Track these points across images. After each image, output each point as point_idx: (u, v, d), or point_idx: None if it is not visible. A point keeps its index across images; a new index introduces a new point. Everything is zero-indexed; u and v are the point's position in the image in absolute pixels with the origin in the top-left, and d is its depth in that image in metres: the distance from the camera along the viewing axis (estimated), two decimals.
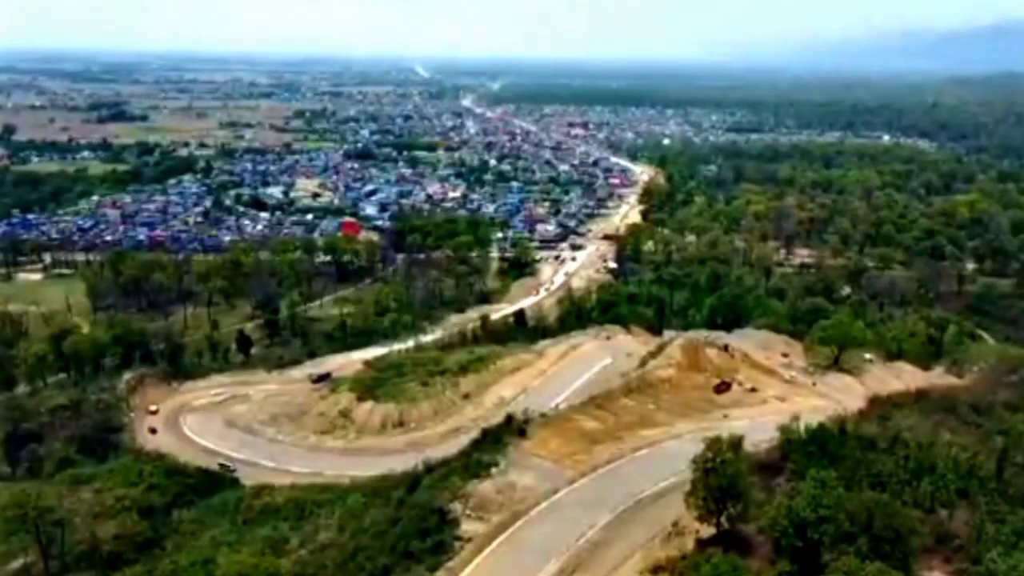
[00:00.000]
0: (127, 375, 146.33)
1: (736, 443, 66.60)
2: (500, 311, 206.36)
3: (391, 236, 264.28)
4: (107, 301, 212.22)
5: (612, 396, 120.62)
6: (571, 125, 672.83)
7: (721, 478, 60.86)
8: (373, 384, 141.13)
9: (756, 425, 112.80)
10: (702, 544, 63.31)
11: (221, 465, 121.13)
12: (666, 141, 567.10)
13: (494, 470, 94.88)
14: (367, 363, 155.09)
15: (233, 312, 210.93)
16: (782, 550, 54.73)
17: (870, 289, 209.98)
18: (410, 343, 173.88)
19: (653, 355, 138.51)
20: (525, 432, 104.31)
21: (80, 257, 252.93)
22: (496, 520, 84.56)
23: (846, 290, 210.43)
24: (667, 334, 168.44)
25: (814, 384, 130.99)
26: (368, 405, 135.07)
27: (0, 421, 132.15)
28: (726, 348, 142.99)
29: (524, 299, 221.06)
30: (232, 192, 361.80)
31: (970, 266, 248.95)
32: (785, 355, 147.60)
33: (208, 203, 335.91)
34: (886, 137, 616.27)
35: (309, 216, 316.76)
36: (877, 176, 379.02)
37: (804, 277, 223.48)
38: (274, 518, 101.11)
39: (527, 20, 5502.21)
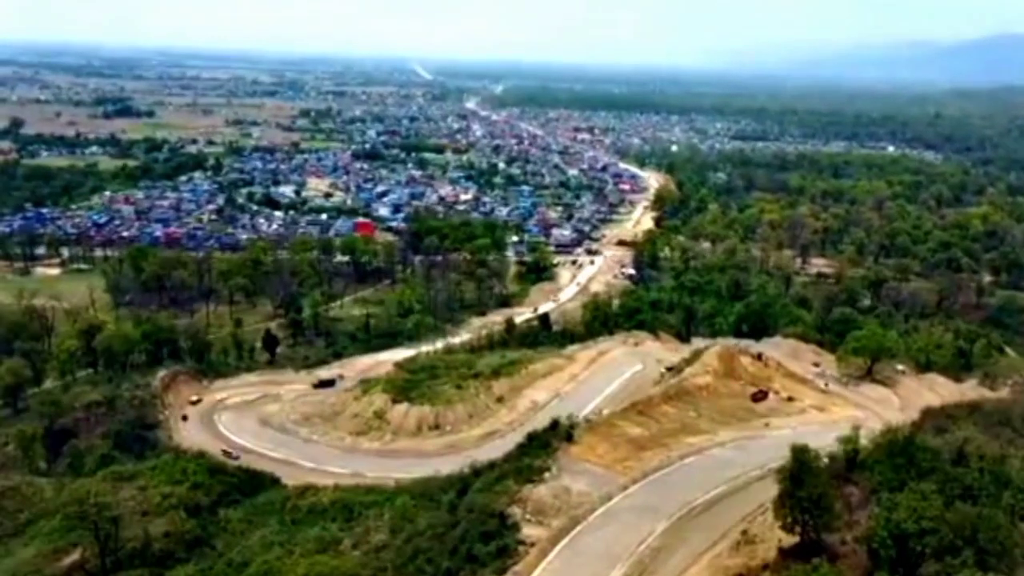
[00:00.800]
0: (161, 372, 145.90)
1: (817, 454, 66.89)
2: (520, 315, 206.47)
3: (408, 238, 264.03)
4: (127, 297, 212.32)
5: (653, 402, 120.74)
6: (577, 130, 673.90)
7: (811, 488, 61.16)
8: (406, 386, 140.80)
9: (799, 435, 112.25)
10: (784, 553, 63.50)
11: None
12: (674, 148, 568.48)
13: (547, 475, 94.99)
14: (398, 365, 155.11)
15: (254, 311, 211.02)
16: (880, 562, 55.06)
17: (889, 300, 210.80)
18: (437, 345, 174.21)
19: (688, 362, 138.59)
20: (572, 437, 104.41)
21: (98, 252, 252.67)
22: (555, 525, 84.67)
23: (866, 301, 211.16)
24: (695, 341, 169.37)
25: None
26: (403, 407, 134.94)
27: (36, 416, 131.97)
28: (759, 357, 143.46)
29: (544, 303, 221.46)
30: (244, 190, 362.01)
31: (987, 279, 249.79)
32: (816, 364, 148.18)
33: (221, 201, 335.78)
34: (891, 148, 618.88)
35: (324, 216, 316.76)
36: (887, 187, 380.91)
37: (824, 287, 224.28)
38: (322, 519, 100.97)
39: (528, 24, 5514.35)
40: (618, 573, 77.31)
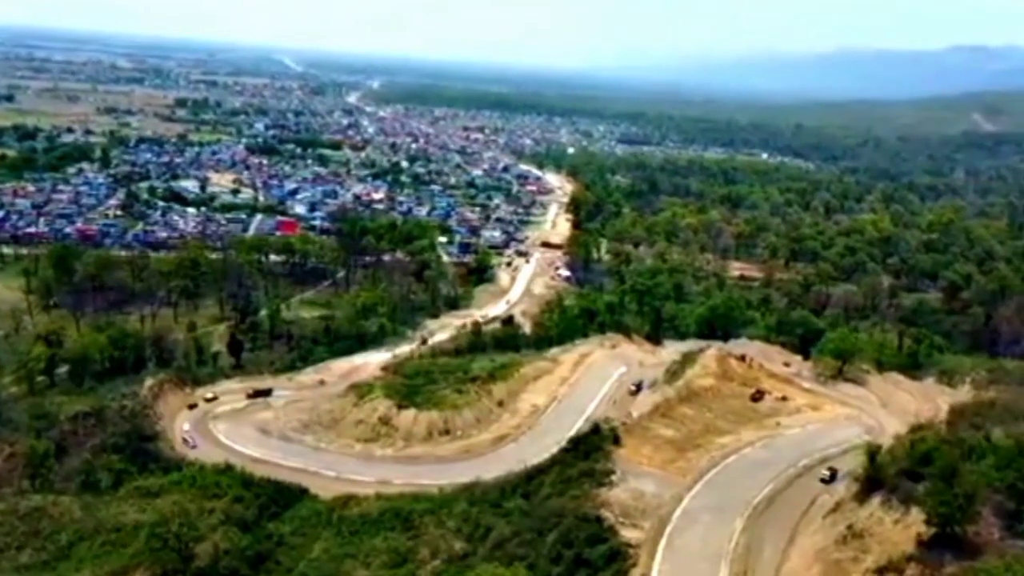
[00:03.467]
0: (148, 381, 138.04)
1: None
2: (473, 317, 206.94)
3: (345, 238, 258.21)
4: (54, 298, 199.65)
5: (671, 404, 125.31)
6: (467, 129, 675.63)
7: (963, 486, 66.40)
8: (408, 391, 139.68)
9: (813, 433, 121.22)
10: (926, 545, 68.48)
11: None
12: (570, 150, 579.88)
13: (614, 478, 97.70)
14: (386, 369, 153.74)
15: (197, 313, 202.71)
16: None
17: (818, 302, 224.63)
18: (405, 348, 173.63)
19: (682, 365, 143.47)
20: (619, 440, 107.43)
21: (7, 250, 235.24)
22: (646, 527, 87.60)
23: (802, 304, 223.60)
24: (666, 343, 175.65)
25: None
26: (411, 413, 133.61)
27: (18, 428, 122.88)
28: (743, 358, 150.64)
29: (492, 305, 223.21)
30: (143, 184, 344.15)
31: (887, 282, 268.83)
32: (787, 364, 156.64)
33: (122, 195, 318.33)
34: (764, 155, 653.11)
35: (239, 213, 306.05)
36: (779, 194, 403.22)
37: (756, 290, 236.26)
38: (379, 528, 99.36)
39: (391, 17, 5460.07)
40: (726, 572, 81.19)
